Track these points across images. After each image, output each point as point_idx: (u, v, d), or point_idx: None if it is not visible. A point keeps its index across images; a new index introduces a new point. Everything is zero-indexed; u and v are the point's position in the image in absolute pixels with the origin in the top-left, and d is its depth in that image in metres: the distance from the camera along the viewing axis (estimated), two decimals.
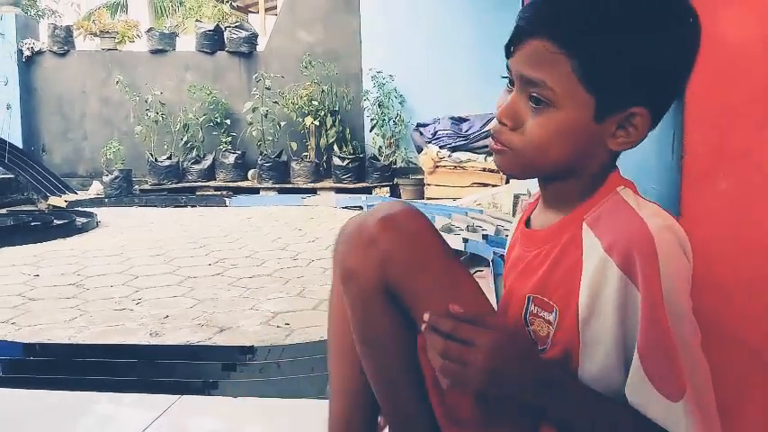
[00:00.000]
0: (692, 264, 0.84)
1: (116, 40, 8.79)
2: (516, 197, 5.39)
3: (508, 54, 0.91)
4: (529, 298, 0.94)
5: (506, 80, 0.93)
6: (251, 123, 7.89)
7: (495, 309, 1.06)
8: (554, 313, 0.90)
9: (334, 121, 7.80)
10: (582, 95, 0.85)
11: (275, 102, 7.81)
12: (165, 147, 8.21)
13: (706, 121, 0.86)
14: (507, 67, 0.92)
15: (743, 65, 0.84)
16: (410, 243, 0.96)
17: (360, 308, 1.00)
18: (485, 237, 3.68)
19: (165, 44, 8.51)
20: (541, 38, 0.85)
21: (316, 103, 7.71)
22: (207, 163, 8.11)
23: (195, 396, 1.83)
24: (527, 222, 1.03)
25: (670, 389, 0.78)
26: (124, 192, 7.74)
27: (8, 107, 8.42)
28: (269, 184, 7.75)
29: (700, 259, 0.86)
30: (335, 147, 7.82)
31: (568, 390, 0.85)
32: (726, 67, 0.85)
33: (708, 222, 0.87)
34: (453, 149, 6.75)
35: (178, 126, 8.21)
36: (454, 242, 3.49)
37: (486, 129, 6.70)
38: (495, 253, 3.31)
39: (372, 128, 7.80)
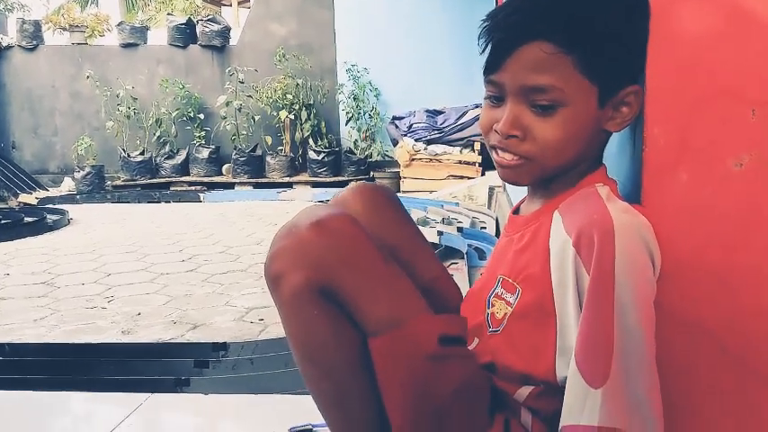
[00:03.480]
0: (658, 265, 0.86)
1: (86, 35, 8.65)
2: (492, 189, 5.42)
3: (493, 70, 0.90)
4: (499, 279, 0.97)
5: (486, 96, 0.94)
6: (225, 118, 7.82)
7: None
8: (516, 294, 0.92)
9: (309, 115, 7.76)
10: (586, 87, 0.87)
11: (249, 96, 7.75)
12: (138, 142, 8.12)
13: (667, 114, 0.87)
14: (490, 82, 0.92)
15: (704, 60, 0.85)
16: (343, 245, 0.92)
17: (293, 310, 0.94)
18: (460, 229, 3.69)
19: (136, 38, 8.39)
20: (536, 42, 0.85)
21: (290, 96, 7.65)
22: (180, 158, 8.03)
23: (166, 394, 1.82)
24: (517, 210, 1.05)
25: (592, 374, 0.80)
26: (96, 188, 7.65)
27: None
28: (244, 179, 7.69)
29: (662, 250, 0.88)
30: (311, 140, 7.79)
31: None
32: (686, 62, 0.86)
33: (669, 213, 0.88)
34: (429, 142, 6.76)
35: (150, 121, 8.11)
36: (429, 235, 3.49)
37: (462, 122, 6.73)
38: (469, 245, 3.33)
39: (348, 121, 7.78)
